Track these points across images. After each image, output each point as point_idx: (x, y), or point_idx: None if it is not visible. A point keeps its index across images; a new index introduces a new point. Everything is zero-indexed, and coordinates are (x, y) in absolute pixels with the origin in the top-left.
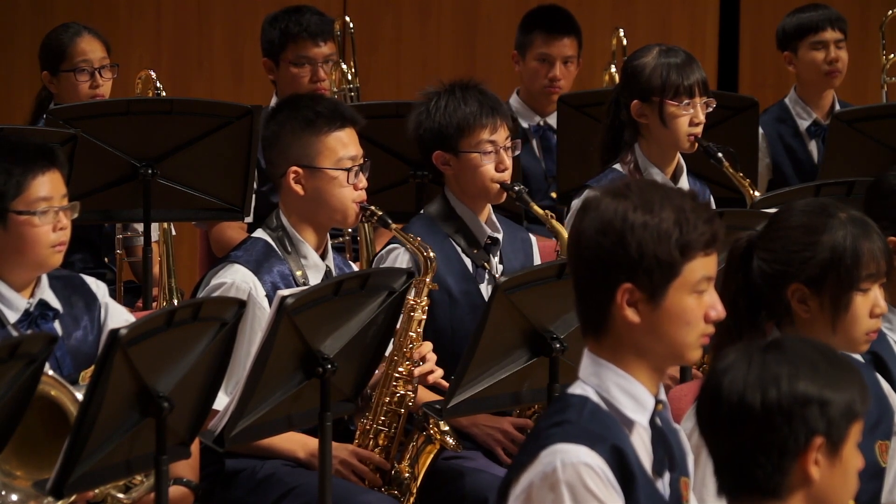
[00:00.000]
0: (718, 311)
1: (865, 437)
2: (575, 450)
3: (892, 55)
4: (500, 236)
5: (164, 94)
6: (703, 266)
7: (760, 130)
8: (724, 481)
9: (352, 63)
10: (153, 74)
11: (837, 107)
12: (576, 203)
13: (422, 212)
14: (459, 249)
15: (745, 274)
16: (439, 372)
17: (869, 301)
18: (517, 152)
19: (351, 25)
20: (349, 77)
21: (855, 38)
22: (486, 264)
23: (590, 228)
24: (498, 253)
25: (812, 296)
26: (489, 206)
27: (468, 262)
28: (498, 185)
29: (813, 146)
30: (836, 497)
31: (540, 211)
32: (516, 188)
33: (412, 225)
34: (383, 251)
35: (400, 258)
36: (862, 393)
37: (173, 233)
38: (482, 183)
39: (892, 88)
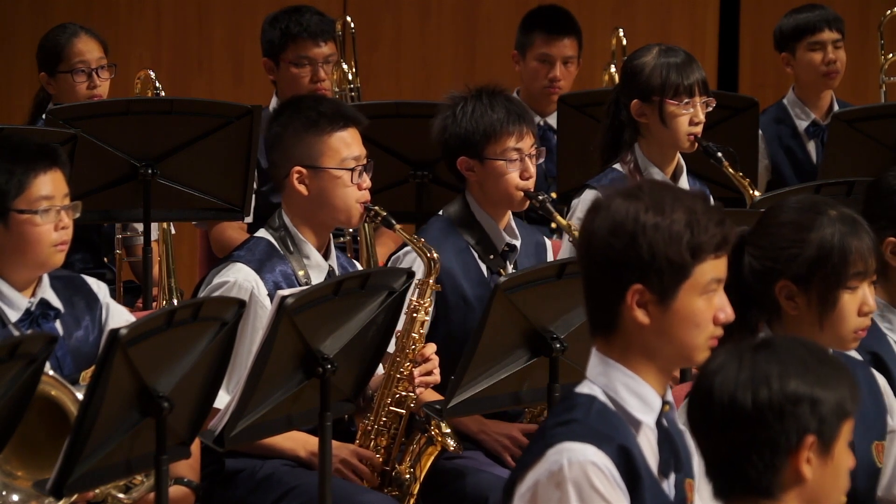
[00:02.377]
0: (728, 313)
1: (862, 438)
2: (582, 448)
3: (891, 55)
4: (517, 243)
5: (163, 94)
6: (714, 268)
7: (759, 131)
8: (716, 482)
9: (353, 63)
10: (152, 74)
11: (836, 107)
12: (576, 202)
13: (440, 213)
14: (476, 255)
15: (737, 270)
16: (437, 378)
17: (857, 299)
18: (541, 160)
19: (352, 25)
20: (350, 77)
21: (854, 37)
22: (501, 271)
23: (601, 229)
24: (514, 260)
25: (799, 293)
26: (509, 213)
27: (484, 267)
28: (521, 193)
29: (811, 146)
30: (829, 495)
31: (563, 221)
32: (540, 197)
33: (430, 226)
34: (399, 252)
35: (417, 260)
36: (852, 391)
37: (173, 232)
38: (506, 190)
39: (891, 88)
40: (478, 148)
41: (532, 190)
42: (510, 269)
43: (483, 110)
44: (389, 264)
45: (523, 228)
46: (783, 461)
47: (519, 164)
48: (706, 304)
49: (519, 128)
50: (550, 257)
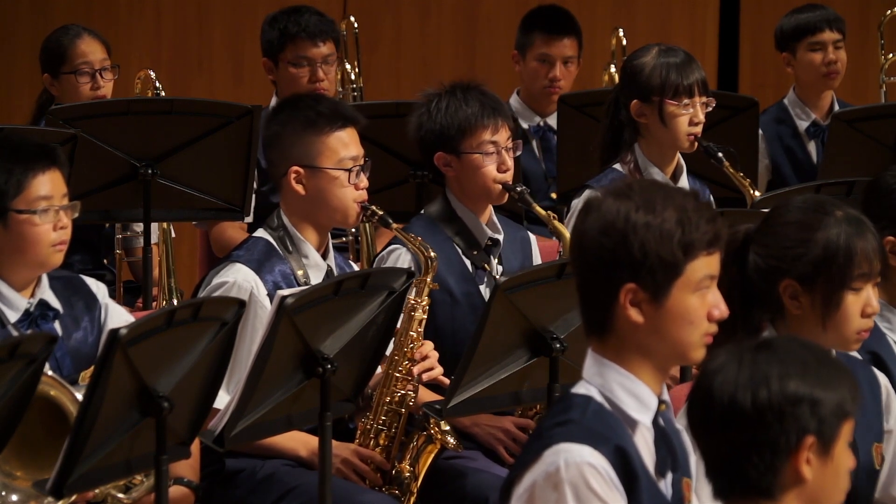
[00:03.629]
0: (722, 310)
1: (863, 439)
2: (578, 449)
3: (891, 55)
4: (500, 237)
5: (163, 93)
6: (706, 265)
7: (759, 131)
8: (716, 482)
9: (355, 63)
10: (152, 74)
11: (836, 107)
12: (576, 203)
13: (422, 212)
14: (460, 250)
15: (741, 268)
16: (439, 370)
17: (861, 300)
18: (518, 153)
19: (356, 25)
20: (352, 77)
21: (854, 37)
22: (486, 265)
23: (592, 229)
24: (498, 254)
25: (804, 292)
26: (490, 207)
27: (468, 263)
28: (500, 186)
29: (812, 146)
30: (829, 496)
31: (542, 212)
32: (518, 189)
33: (412, 225)
34: (384, 251)
35: (401, 258)
36: (853, 392)
37: (172, 234)
38: (484, 184)
39: (891, 88)
40: (454, 142)
41: (510, 182)
42: (494, 263)
43: (457, 105)
44: (374, 263)
45: (506, 223)
46: (783, 462)
47: (496, 156)
48: (699, 301)
49: (494, 120)
50: (536, 252)
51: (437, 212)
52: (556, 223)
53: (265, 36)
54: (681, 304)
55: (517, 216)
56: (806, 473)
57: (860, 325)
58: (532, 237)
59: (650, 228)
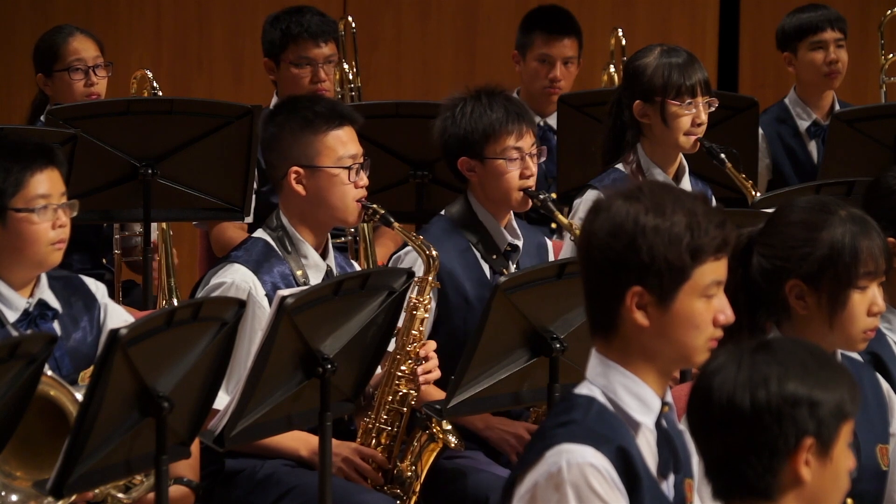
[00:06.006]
0: (727, 315)
1: (867, 440)
2: (580, 450)
3: (892, 55)
4: (520, 244)
5: (160, 93)
6: (714, 270)
7: (760, 131)
8: (715, 483)
9: (353, 63)
10: (149, 74)
11: (837, 107)
12: (577, 202)
13: (442, 213)
14: (478, 255)
15: (745, 271)
16: (437, 374)
17: (867, 299)
18: (542, 159)
19: (353, 25)
20: (350, 77)
21: (854, 37)
22: (504, 271)
23: (601, 230)
24: (517, 260)
25: (810, 292)
26: (511, 213)
27: (486, 267)
28: (522, 193)
29: (812, 146)
30: (828, 497)
31: (564, 220)
32: (541, 196)
33: (432, 225)
34: (401, 251)
35: (419, 260)
36: (852, 393)
37: (170, 233)
38: (507, 189)
39: (892, 88)
40: (478, 148)
41: (533, 189)
42: (513, 269)
43: (482, 110)
44: (391, 263)
45: (525, 229)
46: (781, 463)
47: (519, 162)
48: (706, 305)
49: (518, 127)
50: (551, 259)
51: (458, 214)
52: (578, 232)
53: (267, 36)
54: (687, 309)
55: (518, 216)
56: (805, 475)
57: (866, 323)
58: (549, 243)
59: (659, 232)
